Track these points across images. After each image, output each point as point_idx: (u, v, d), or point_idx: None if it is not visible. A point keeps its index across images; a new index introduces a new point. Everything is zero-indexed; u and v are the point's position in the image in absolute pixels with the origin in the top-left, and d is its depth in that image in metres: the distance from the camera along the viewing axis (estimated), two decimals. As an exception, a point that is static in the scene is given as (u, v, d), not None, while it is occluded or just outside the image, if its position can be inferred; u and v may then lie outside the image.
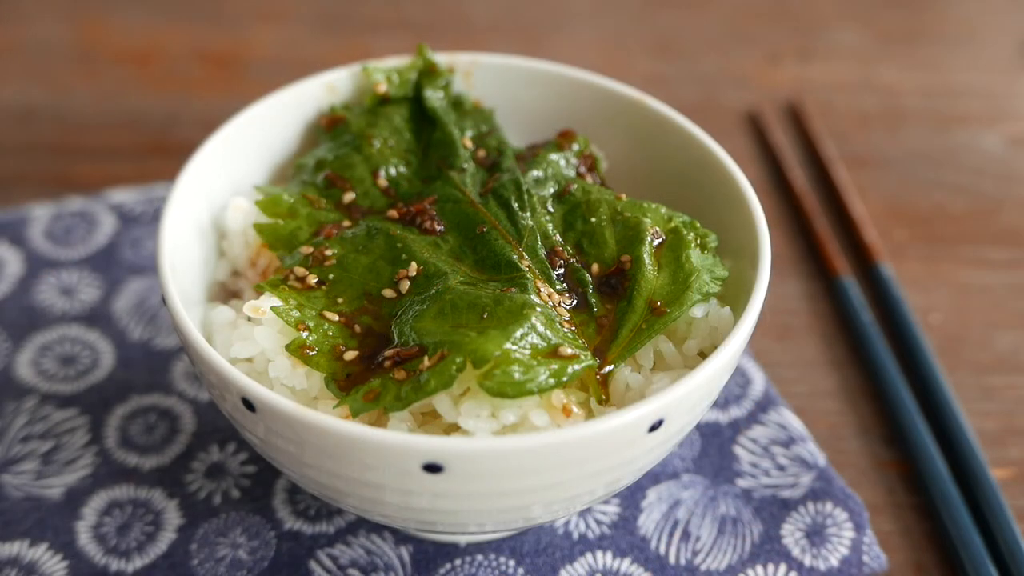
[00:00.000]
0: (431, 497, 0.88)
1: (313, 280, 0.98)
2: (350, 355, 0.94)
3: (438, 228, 1.01)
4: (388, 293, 0.97)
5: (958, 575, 1.08)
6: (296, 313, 0.95)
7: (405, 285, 0.97)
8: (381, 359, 0.92)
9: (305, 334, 0.94)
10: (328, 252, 1.00)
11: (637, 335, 0.95)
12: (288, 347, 0.94)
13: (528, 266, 0.98)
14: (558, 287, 0.98)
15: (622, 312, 0.96)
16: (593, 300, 0.97)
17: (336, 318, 0.96)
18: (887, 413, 1.22)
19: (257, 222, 1.04)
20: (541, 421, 0.90)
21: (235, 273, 1.07)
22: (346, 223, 1.04)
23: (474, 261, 0.99)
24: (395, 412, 0.90)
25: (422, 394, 0.88)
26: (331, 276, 0.99)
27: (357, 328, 0.95)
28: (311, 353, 0.94)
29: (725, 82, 1.69)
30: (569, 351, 0.91)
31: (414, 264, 0.98)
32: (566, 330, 0.94)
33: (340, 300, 0.98)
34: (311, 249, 1.01)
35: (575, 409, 0.91)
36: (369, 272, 0.99)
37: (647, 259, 0.98)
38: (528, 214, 1.01)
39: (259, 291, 0.99)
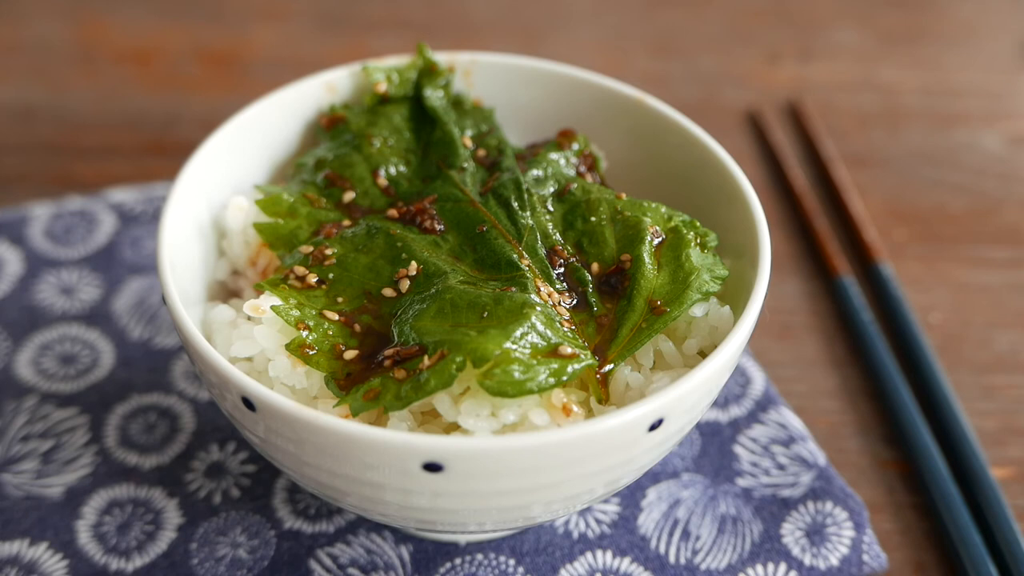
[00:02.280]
0: (431, 496, 0.88)
1: (313, 279, 0.98)
2: (350, 354, 0.94)
3: (438, 227, 1.01)
4: (388, 292, 0.97)
5: (958, 575, 1.08)
6: (296, 312, 0.95)
7: (405, 284, 0.97)
8: (381, 358, 0.92)
9: (305, 333, 0.94)
10: (328, 251, 1.00)
11: (637, 334, 0.95)
12: (288, 346, 0.94)
13: (528, 265, 0.98)
14: (558, 286, 0.98)
15: (622, 311, 0.96)
16: (593, 299, 0.97)
17: (336, 317, 0.96)
18: (887, 412, 1.22)
19: (257, 221, 1.04)
20: (541, 420, 0.90)
21: (235, 272, 1.07)
22: (346, 222, 1.04)
23: (474, 260, 0.99)
24: (395, 411, 0.90)
25: (422, 393, 0.88)
26: (331, 275, 0.99)
27: (357, 327, 0.95)
28: (311, 352, 0.94)
29: (725, 82, 1.69)
30: (569, 350, 0.91)
31: (414, 263, 0.98)
32: (566, 329, 0.94)
33: (340, 299, 0.98)
34: (311, 248, 1.01)
35: (575, 408, 0.91)
36: (369, 271, 0.99)
37: (647, 258, 0.98)
38: (528, 213, 1.01)
39: (259, 290, 0.99)
